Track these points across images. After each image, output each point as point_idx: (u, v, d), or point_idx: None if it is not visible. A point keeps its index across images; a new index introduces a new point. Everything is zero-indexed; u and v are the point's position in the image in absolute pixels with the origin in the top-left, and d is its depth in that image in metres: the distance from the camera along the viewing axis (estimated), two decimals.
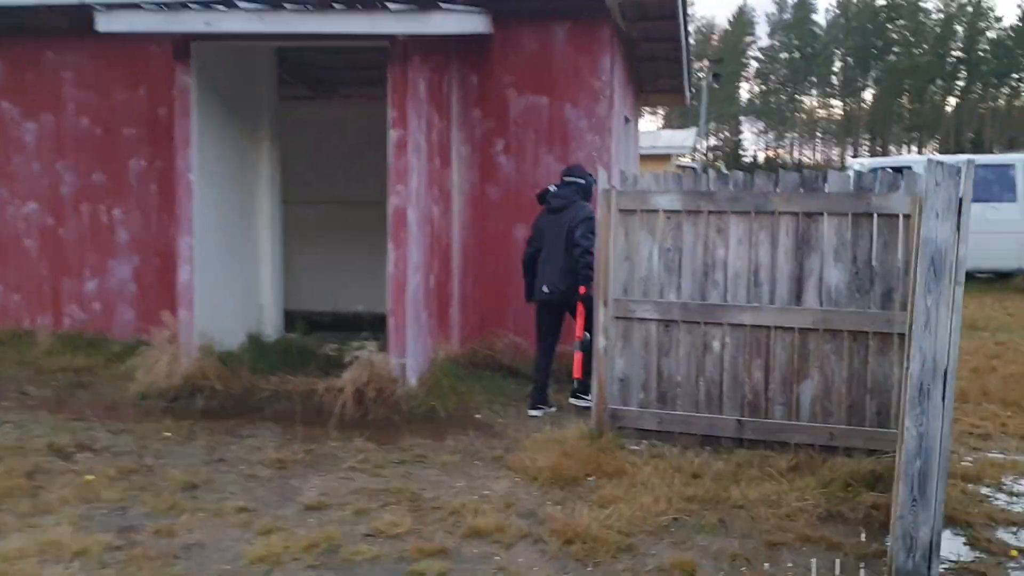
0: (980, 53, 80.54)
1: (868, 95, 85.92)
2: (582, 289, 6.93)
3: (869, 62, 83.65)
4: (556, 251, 7.06)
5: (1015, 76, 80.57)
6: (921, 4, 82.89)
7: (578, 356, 7.04)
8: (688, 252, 6.22)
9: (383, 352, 7.37)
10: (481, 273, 8.63)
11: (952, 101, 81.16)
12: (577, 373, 7.09)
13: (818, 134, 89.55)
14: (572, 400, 7.26)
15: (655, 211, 6.28)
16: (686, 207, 6.20)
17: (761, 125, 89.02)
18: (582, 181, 7.19)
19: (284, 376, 7.74)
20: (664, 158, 22.28)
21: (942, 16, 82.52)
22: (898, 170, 16.02)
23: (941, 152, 70.37)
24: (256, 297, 8.91)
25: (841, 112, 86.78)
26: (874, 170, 15.95)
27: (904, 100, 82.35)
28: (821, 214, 5.97)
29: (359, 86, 11.65)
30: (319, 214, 11.41)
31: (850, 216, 5.91)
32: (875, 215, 5.85)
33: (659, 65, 11.09)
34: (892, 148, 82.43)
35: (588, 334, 6.79)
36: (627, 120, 10.24)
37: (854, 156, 78.32)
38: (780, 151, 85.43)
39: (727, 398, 6.16)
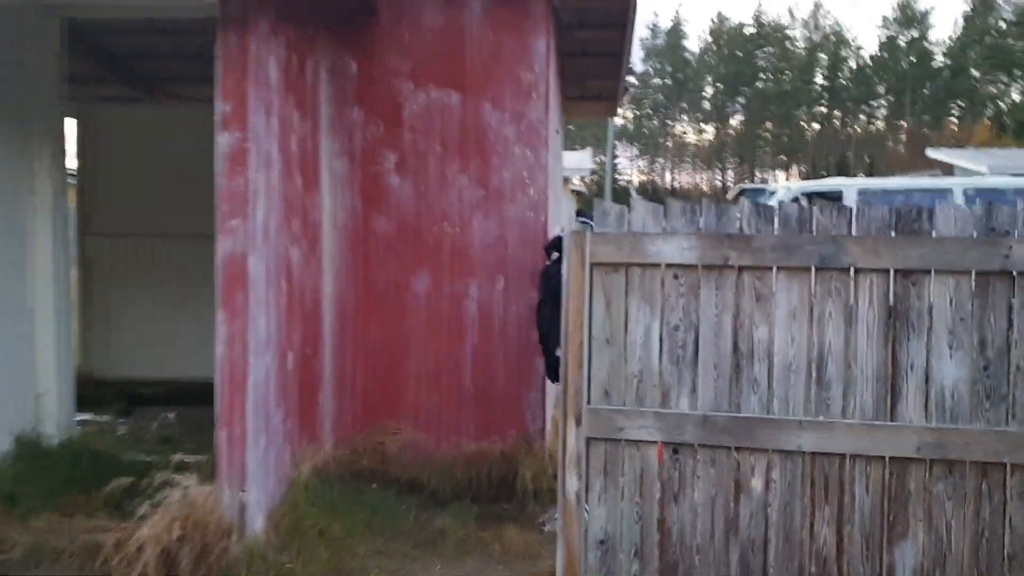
0: (842, 80, 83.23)
1: (736, 120, 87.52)
2: None
3: (738, 88, 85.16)
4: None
5: (872, 103, 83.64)
6: (788, 32, 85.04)
7: None
8: (709, 331, 3.79)
9: (212, 479, 4.64)
10: (365, 342, 6.01)
11: (815, 126, 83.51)
12: None
13: (687, 159, 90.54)
14: None
15: (655, 265, 3.83)
16: (705, 259, 3.78)
17: (635, 150, 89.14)
18: None
19: (57, 517, 4.90)
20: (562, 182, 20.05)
21: (807, 45, 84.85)
22: (831, 197, 14.14)
23: (806, 176, 71.79)
24: (30, 381, 5.98)
25: (711, 137, 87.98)
26: (806, 195, 14.11)
27: (769, 125, 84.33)
28: (928, 272, 3.63)
29: (199, 83, 8.76)
30: (142, 249, 8.49)
31: (973, 275, 3.60)
32: (1014, 274, 3.57)
33: (592, 63, 8.67)
34: (758, 173, 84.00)
35: None
36: (557, 132, 7.80)
37: (740, 181, 79.16)
38: (650, 175, 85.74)
39: (776, 570, 3.74)
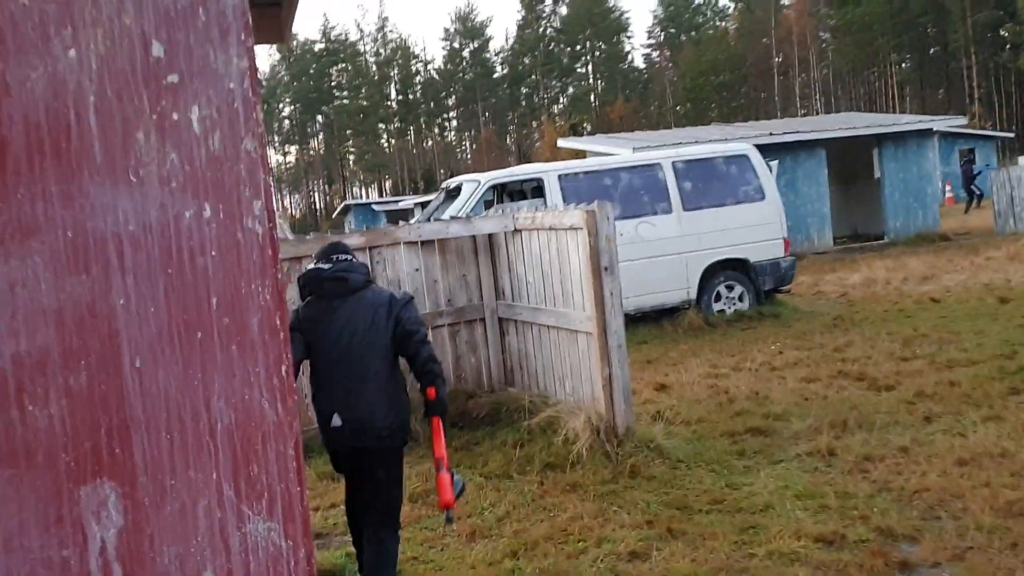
0: (413, 95, 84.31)
1: (318, 141, 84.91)
2: (431, 392, 4.15)
3: (317, 107, 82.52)
4: (369, 353, 4.12)
5: (446, 115, 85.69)
6: (359, 47, 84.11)
7: (444, 477, 4.05)
8: None
9: None
10: None
11: (393, 143, 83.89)
12: (448, 497, 4.03)
13: (272, 182, 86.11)
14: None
15: None
16: None
17: None
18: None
19: None
20: None
21: (378, 60, 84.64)
22: (528, 186, 11.14)
23: (396, 191, 71.19)
24: None
25: (295, 158, 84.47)
26: (497, 187, 11.14)
27: (352, 144, 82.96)
28: None
29: None
30: None
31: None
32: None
33: None
34: (350, 191, 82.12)
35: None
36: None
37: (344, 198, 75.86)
38: None
39: None
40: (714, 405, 7.24)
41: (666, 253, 11.17)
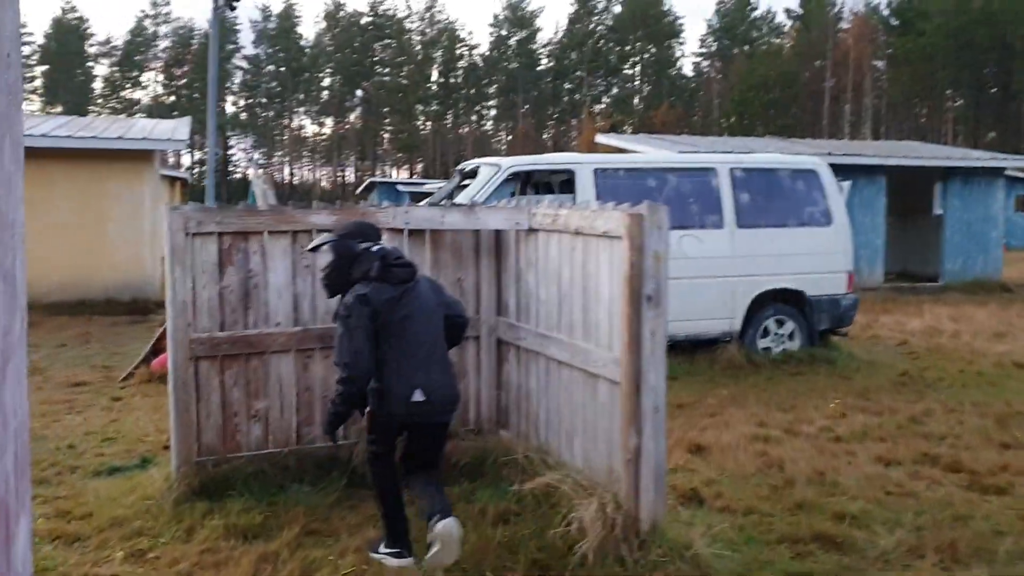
0: (455, 79, 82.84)
1: (356, 115, 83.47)
2: None
3: (357, 81, 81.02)
4: (439, 334, 4.48)
5: (485, 104, 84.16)
6: (406, 25, 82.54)
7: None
8: None
9: None
10: None
11: (429, 125, 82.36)
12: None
13: (306, 153, 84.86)
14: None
15: None
16: None
17: (250, 141, 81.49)
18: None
19: None
20: (142, 157, 13.63)
21: (423, 40, 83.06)
22: (557, 175, 9.46)
23: (427, 174, 69.77)
24: None
25: (330, 130, 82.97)
26: (519, 175, 9.53)
27: (388, 122, 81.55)
28: None
29: None
30: None
31: None
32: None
33: None
34: (381, 169, 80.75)
35: None
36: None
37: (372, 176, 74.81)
38: (268, 170, 78.93)
39: None
40: (767, 487, 5.48)
41: (711, 275, 9.39)
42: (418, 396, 4.22)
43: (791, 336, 9.86)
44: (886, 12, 68.28)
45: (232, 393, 5.27)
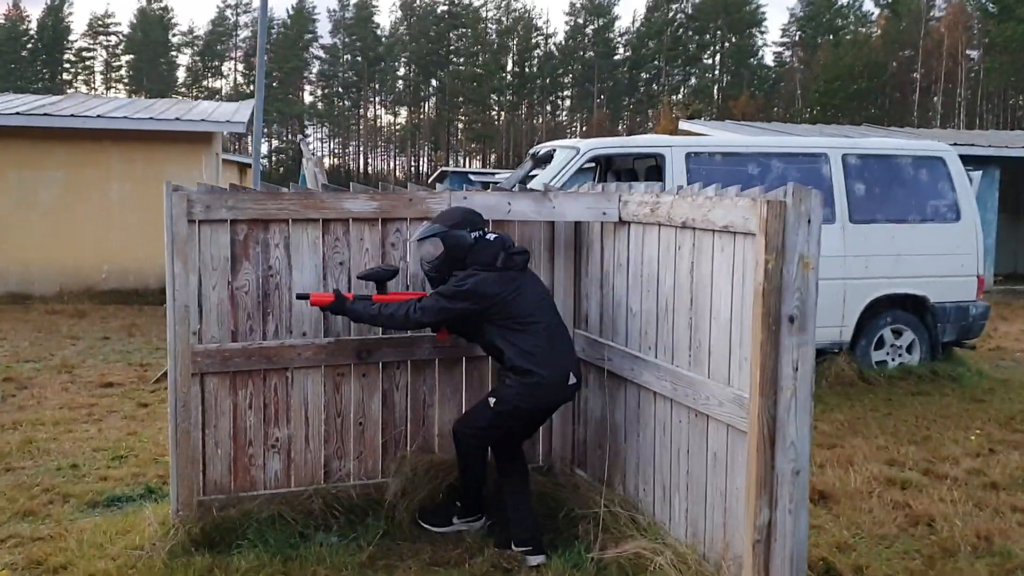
0: (530, 69, 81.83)
1: (430, 105, 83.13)
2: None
3: (432, 70, 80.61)
4: (558, 318, 4.32)
5: (560, 94, 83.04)
6: (482, 13, 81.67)
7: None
8: None
9: None
10: None
11: (503, 115, 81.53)
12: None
13: (380, 143, 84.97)
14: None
15: None
16: None
17: (325, 130, 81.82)
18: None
19: None
20: (200, 139, 12.89)
21: (499, 28, 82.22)
22: (641, 160, 8.32)
23: (500, 164, 68.93)
24: None
25: (405, 120, 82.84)
26: (600, 160, 8.54)
27: (462, 112, 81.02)
28: None
29: None
30: None
31: None
32: None
33: None
34: (455, 159, 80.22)
35: None
36: None
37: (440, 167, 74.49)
38: (343, 159, 79.11)
39: None
40: (919, 556, 4.24)
41: (820, 276, 8.11)
42: (572, 379, 4.13)
43: (909, 348, 8.48)
44: None
45: (246, 418, 4.24)
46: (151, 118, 13.37)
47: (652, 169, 8.49)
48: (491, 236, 4.15)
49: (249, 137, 13.46)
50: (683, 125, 20.10)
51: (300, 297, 4.20)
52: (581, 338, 4.62)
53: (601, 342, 4.43)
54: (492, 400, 4.10)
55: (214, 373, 4.17)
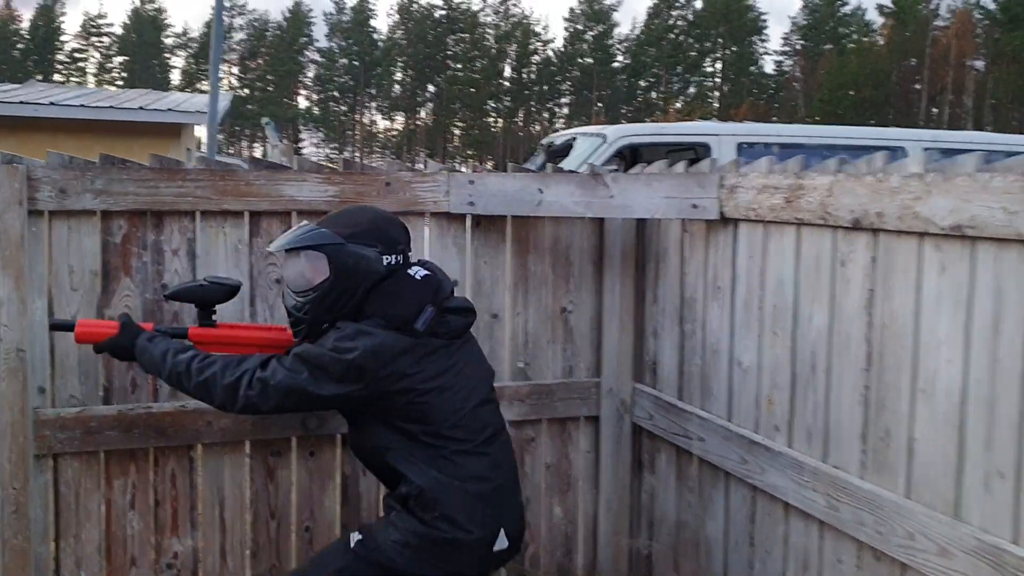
0: (528, 75, 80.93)
1: (426, 111, 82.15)
2: None
3: (428, 75, 79.55)
4: (501, 421, 2.52)
5: (557, 101, 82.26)
6: (481, 18, 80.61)
7: None
8: None
9: None
10: None
11: (500, 122, 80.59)
12: None
13: (376, 149, 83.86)
14: None
15: None
16: None
17: (321, 135, 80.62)
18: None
19: None
20: (168, 131, 11.43)
21: (497, 33, 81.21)
22: (682, 149, 6.78)
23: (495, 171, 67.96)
24: None
25: (401, 125, 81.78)
26: (631, 149, 7.09)
27: (459, 117, 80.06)
28: None
29: None
30: None
31: None
32: None
33: None
34: (451, 165, 78.82)
35: None
36: None
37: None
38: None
39: None
40: None
41: None
42: (503, 542, 2.33)
43: None
44: (992, 6, 63.78)
45: (127, 523, 2.70)
46: (111, 107, 11.85)
47: (691, 164, 7.00)
48: (418, 271, 2.37)
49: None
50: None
51: (57, 327, 2.53)
52: (647, 397, 3.05)
53: (681, 408, 2.85)
54: (355, 539, 2.32)
55: (74, 454, 2.61)
